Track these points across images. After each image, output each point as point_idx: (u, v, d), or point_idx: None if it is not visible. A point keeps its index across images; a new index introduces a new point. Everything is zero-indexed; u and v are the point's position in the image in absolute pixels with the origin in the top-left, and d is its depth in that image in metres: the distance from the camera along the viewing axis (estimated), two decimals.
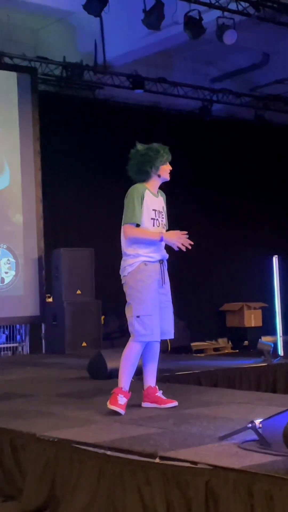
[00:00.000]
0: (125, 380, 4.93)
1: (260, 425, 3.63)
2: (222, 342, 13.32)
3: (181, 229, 5.09)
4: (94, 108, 12.35)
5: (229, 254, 13.77)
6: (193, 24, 9.61)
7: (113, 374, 6.57)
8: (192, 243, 4.96)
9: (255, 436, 3.66)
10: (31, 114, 10.71)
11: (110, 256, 12.21)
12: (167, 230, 5.13)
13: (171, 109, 13.36)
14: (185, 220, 13.00)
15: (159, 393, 5.07)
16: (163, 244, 5.04)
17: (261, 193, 14.21)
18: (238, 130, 14.05)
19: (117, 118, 12.53)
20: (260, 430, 3.63)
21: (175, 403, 5.00)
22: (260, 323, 13.20)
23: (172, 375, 6.85)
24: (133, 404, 5.04)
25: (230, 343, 13.31)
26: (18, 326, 10.61)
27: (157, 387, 5.10)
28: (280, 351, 10.75)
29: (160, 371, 6.04)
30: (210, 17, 9.66)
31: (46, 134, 10.96)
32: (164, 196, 5.24)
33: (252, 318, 13.22)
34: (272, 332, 12.69)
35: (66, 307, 10.11)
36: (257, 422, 3.64)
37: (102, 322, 10.49)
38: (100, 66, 11.37)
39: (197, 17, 9.60)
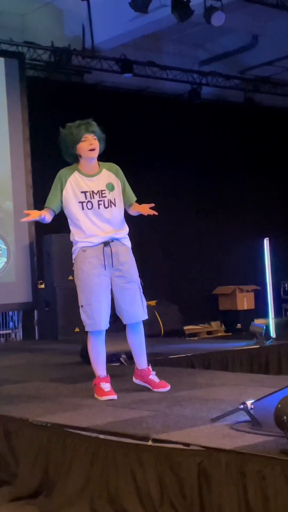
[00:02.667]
0: (97, 369, 4.91)
1: (252, 406, 3.65)
2: (215, 325, 13.36)
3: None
4: (83, 93, 12.28)
5: (221, 237, 13.78)
6: (180, 7, 9.56)
7: (107, 358, 6.58)
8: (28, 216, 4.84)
9: (247, 417, 3.68)
10: (20, 99, 10.65)
11: None
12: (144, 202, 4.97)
13: (160, 93, 13.31)
14: (175, 203, 13.01)
15: (152, 375, 5.01)
16: (107, 226, 4.81)
17: (252, 176, 14.20)
18: (227, 113, 14.02)
19: (106, 103, 12.48)
20: (251, 411, 3.64)
21: (167, 388, 4.94)
22: (252, 306, 13.23)
23: (165, 358, 6.87)
24: (125, 388, 5.05)
25: (223, 326, 13.34)
26: (10, 313, 10.61)
27: (149, 368, 5.04)
28: (272, 333, 10.78)
29: (153, 355, 6.07)
30: None
31: (35, 120, 10.91)
32: (115, 169, 4.94)
33: (245, 301, 13.25)
34: (265, 314, 12.72)
35: (58, 293, 10.11)
36: (249, 403, 3.66)
37: None
38: (88, 50, 11.30)
39: None
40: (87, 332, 5.01)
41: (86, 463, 3.76)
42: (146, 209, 4.87)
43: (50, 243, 10.32)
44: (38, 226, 10.81)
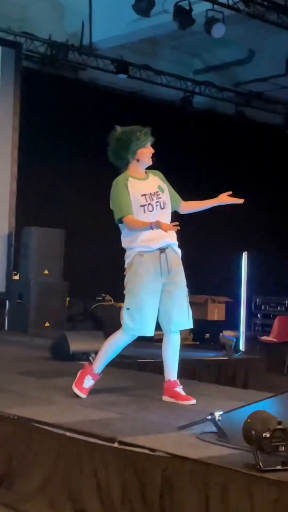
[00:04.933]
0: (99, 363, 4.81)
1: (220, 418, 3.67)
2: (184, 333, 13.26)
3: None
4: (76, 89, 12.29)
5: (198, 247, 13.81)
6: (182, 14, 9.59)
7: (76, 357, 6.60)
8: (177, 226, 4.69)
9: (214, 428, 3.70)
10: (13, 89, 10.60)
11: (81, 239, 12.28)
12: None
13: (153, 97, 13.35)
14: None
15: (179, 388, 4.90)
16: (162, 232, 4.71)
17: (234, 188, 14.25)
18: (217, 124, 14.08)
19: (98, 101, 12.50)
20: (219, 423, 3.67)
21: (193, 401, 4.79)
22: (223, 318, 13.26)
23: (134, 362, 6.89)
24: (95, 389, 5.04)
25: (191, 335, 13.36)
26: None
27: (177, 381, 4.93)
28: (242, 347, 10.85)
29: (122, 357, 6.06)
30: (199, 8, 9.66)
31: (26, 111, 10.88)
32: (159, 173, 5.00)
33: (216, 312, 13.27)
34: (234, 327, 12.79)
35: (32, 286, 10.07)
36: (217, 414, 3.68)
37: (67, 304, 10.47)
38: (86, 47, 11.30)
39: (187, 8, 9.58)
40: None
41: (50, 460, 3.76)
42: (227, 198, 5.10)
43: (29, 236, 10.28)
44: (19, 217, 10.78)
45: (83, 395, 4.74)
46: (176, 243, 4.92)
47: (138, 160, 4.86)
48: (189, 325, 4.97)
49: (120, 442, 3.56)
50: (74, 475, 3.63)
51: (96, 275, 12.00)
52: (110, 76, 12.05)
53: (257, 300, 14.32)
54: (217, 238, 13.93)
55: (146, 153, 4.86)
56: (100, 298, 11.20)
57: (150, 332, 4.81)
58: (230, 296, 13.35)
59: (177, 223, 4.71)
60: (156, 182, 4.92)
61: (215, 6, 9.65)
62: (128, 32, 10.91)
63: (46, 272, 10.17)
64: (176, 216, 5.11)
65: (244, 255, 11.91)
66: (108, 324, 10.26)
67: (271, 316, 13.37)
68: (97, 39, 11.24)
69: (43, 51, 11.26)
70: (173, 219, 4.96)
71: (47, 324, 9.94)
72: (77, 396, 4.72)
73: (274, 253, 14.80)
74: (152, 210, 4.78)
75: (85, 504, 3.55)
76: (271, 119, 14.45)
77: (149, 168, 4.97)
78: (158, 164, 5.09)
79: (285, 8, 9.69)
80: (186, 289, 4.94)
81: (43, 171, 11.94)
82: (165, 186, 4.96)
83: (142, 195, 4.78)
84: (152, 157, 4.89)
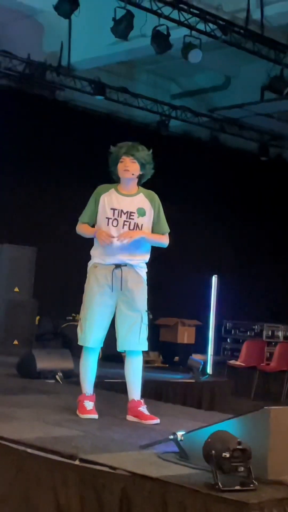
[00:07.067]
0: (84, 385, 4.91)
1: (182, 438, 3.68)
2: (153, 355, 13.36)
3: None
4: (53, 109, 12.34)
5: (170, 270, 13.85)
6: (160, 39, 9.68)
7: (42, 374, 6.59)
8: (112, 239, 4.72)
9: (175, 448, 3.71)
10: None
11: (53, 257, 12.26)
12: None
13: (129, 120, 13.44)
14: None
15: (142, 408, 4.89)
16: (121, 250, 4.77)
17: (206, 212, 14.36)
18: (192, 148, 14.19)
19: (74, 122, 12.56)
20: (181, 443, 3.68)
21: (157, 421, 4.79)
22: (192, 341, 13.30)
23: (101, 381, 6.85)
24: (58, 406, 5.04)
25: (161, 357, 13.37)
26: None
27: (141, 401, 4.93)
28: (209, 370, 10.88)
29: None
30: (177, 34, 9.75)
31: (1, 129, 10.90)
32: (153, 198, 4.98)
33: (185, 335, 13.31)
34: (203, 350, 12.82)
35: (1, 303, 10.03)
36: (179, 434, 3.69)
37: (37, 323, 10.44)
38: (64, 68, 11.35)
39: (165, 33, 9.69)
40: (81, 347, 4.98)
41: (9, 476, 3.73)
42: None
43: (0, 252, 10.25)
44: None
45: (93, 415, 4.74)
46: (140, 264, 4.88)
47: (119, 176, 4.91)
48: (138, 347, 4.93)
49: (81, 460, 3.55)
50: (33, 491, 3.61)
51: (67, 294, 11.96)
52: (87, 97, 12.11)
53: (227, 324, 14.38)
54: (188, 261, 13.97)
55: (120, 168, 4.90)
56: (71, 318, 11.18)
57: (93, 343, 4.87)
58: (201, 319, 13.39)
59: (114, 236, 4.74)
60: (140, 203, 4.90)
61: (193, 32, 9.75)
62: (106, 54, 10.99)
63: (16, 289, 10.14)
64: None
65: (214, 278, 11.98)
66: (77, 344, 10.22)
67: (241, 341, 13.42)
68: (75, 60, 11.30)
69: (21, 70, 11.30)
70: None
71: (15, 342, 9.90)
72: (91, 419, 4.69)
73: (245, 278, 14.90)
74: (117, 226, 4.81)
75: None
76: (245, 145, 14.59)
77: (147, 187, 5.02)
78: None
79: (261, 37, 9.84)
80: (142, 313, 4.88)
81: (16, 188, 11.94)
82: (151, 211, 4.94)
83: (111, 209, 4.84)
84: (125, 170, 4.86)
